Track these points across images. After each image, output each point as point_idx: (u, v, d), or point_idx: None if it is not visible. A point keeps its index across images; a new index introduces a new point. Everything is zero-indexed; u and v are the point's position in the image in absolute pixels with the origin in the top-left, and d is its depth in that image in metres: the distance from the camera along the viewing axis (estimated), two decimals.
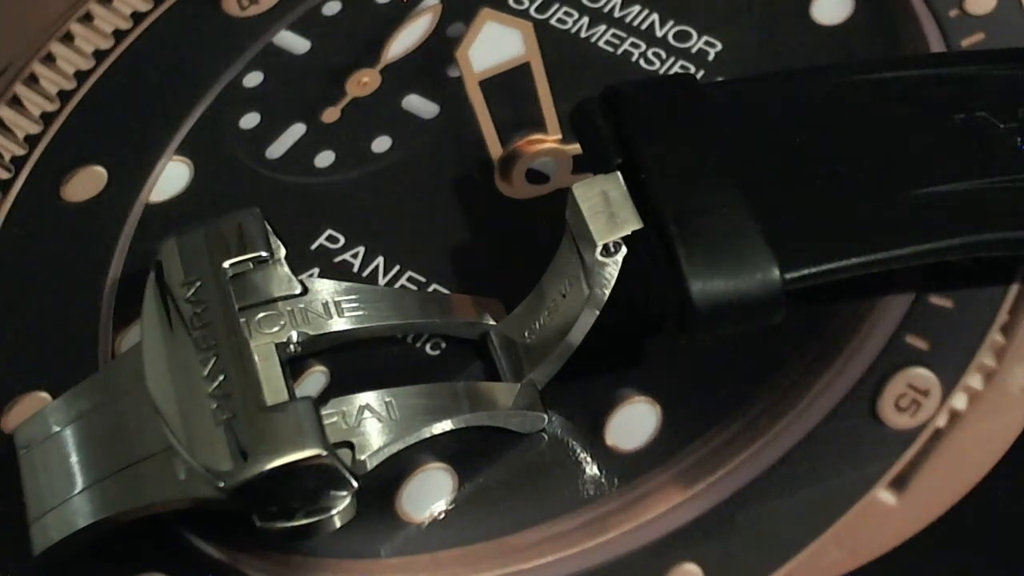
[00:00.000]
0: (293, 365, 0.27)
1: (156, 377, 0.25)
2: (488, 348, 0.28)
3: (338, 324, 0.27)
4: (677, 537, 0.26)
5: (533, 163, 0.31)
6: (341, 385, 0.28)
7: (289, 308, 0.27)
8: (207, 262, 0.26)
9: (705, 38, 0.32)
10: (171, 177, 0.32)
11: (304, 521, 0.25)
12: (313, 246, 0.30)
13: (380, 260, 0.30)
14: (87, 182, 0.32)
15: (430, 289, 0.29)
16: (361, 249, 0.30)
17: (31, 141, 0.33)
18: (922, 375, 0.27)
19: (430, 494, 0.27)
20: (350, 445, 0.25)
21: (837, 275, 0.25)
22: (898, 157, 0.26)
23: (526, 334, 0.27)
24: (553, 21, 0.33)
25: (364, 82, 0.33)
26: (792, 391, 0.27)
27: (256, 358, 0.25)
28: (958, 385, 0.27)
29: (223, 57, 0.33)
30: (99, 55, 0.34)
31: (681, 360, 0.28)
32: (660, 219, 0.25)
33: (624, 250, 0.25)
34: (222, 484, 0.24)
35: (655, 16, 0.33)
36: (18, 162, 0.32)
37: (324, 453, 0.24)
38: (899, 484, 0.26)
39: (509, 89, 0.32)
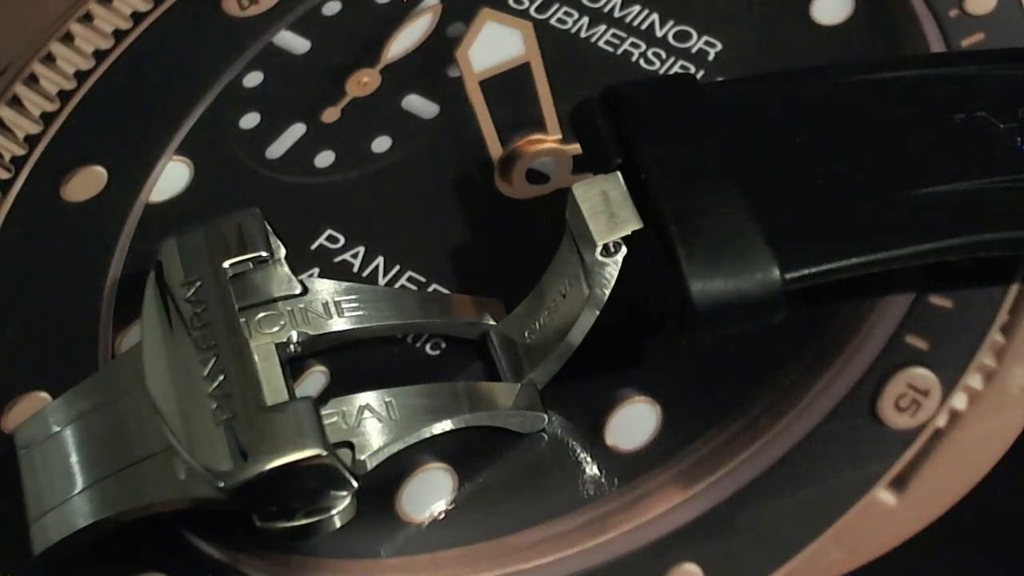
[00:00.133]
0: (293, 365, 0.27)
1: (156, 377, 0.25)
2: (488, 348, 0.28)
3: (338, 324, 0.27)
4: (677, 537, 0.26)
5: (533, 163, 0.31)
6: (341, 385, 0.28)
7: (289, 308, 0.27)
8: (207, 262, 0.26)
9: (705, 38, 0.32)
10: (171, 177, 0.32)
11: (304, 521, 0.25)
12: (313, 246, 0.30)
13: (380, 260, 0.30)
14: (87, 182, 0.32)
15: (430, 289, 0.29)
16: (361, 249, 0.30)
17: (31, 141, 0.32)
18: (922, 375, 0.27)
19: (430, 494, 0.27)
20: (350, 445, 0.25)
21: (837, 275, 0.25)
22: (898, 157, 0.26)
23: (526, 334, 0.27)
24: (553, 21, 0.33)
25: (364, 82, 0.33)
26: (792, 391, 0.27)
27: (256, 358, 0.25)
28: (958, 385, 0.27)
29: (223, 57, 0.33)
30: (99, 55, 0.34)
31: (681, 360, 0.28)
32: (660, 219, 0.25)
33: (624, 250, 0.25)
34: (222, 484, 0.24)
35: (655, 16, 0.33)
36: (18, 162, 0.32)
37: (324, 453, 0.24)
38: (899, 484, 0.26)
39: (509, 89, 0.32)
